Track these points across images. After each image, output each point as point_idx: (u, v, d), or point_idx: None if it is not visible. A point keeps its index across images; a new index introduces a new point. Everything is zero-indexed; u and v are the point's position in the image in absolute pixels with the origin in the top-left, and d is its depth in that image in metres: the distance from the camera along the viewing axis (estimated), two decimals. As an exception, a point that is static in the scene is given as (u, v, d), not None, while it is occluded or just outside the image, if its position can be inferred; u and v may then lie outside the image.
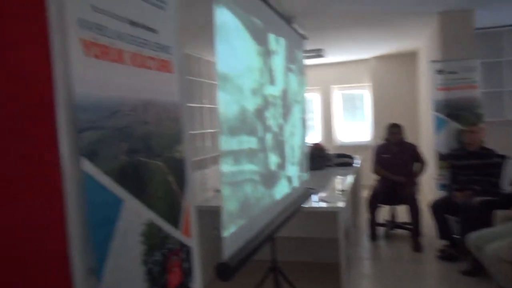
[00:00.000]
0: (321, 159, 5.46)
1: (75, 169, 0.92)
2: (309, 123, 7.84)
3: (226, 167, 1.70)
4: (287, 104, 2.77)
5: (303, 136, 3.43)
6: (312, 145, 5.51)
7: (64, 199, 0.88)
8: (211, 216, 3.03)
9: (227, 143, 1.71)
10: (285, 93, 2.71)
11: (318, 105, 8.35)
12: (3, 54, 0.76)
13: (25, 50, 0.82)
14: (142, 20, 1.19)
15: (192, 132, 5.76)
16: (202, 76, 6.22)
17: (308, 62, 5.53)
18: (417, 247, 4.25)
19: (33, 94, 0.82)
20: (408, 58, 7.37)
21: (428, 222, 4.36)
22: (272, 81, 2.36)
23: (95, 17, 1.00)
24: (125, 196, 1.09)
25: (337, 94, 8.28)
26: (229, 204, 1.79)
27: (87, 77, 0.96)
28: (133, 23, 1.15)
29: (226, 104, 1.68)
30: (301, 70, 3.33)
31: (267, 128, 2.27)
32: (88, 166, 0.96)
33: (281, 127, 2.59)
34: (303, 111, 3.43)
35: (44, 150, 0.84)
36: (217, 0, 1.56)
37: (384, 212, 4.86)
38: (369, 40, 6.03)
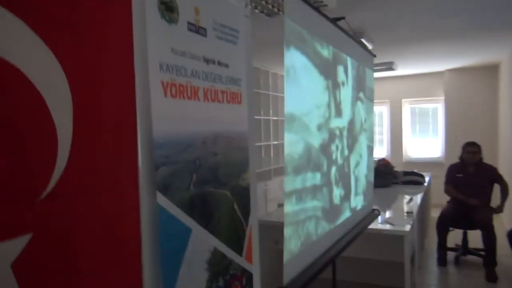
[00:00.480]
0: (388, 176, 5.28)
1: (151, 203, 1.00)
2: (376, 137, 7.64)
3: (289, 207, 1.72)
4: (354, 134, 2.74)
5: (370, 164, 3.36)
6: (378, 160, 5.35)
7: (140, 231, 0.96)
8: (272, 230, 3.06)
9: (291, 183, 1.73)
10: (351, 124, 2.67)
11: (386, 118, 8.09)
12: (95, 97, 0.85)
13: (113, 94, 0.90)
14: (216, 56, 1.26)
15: (258, 144, 5.85)
16: (269, 89, 6.31)
17: (377, 74, 5.39)
18: (491, 277, 3.96)
19: (118, 135, 0.91)
20: (488, 71, 6.90)
21: (505, 251, 4.04)
22: (338, 113, 2.35)
23: (174, 59, 1.07)
24: (193, 226, 1.15)
25: (407, 108, 7.96)
26: (291, 243, 1.81)
27: (164, 115, 1.04)
28: (208, 60, 1.22)
29: (292, 144, 1.70)
30: (370, 97, 3.27)
31: (332, 162, 2.26)
32: (161, 199, 1.03)
33: (346, 159, 2.56)
34: (370, 139, 3.36)
35: (125, 186, 0.92)
36: (287, 41, 1.59)
37: (455, 236, 4.58)
38: (443, 53, 5.74)
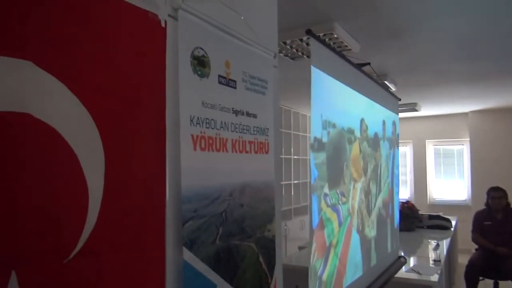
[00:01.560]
0: (412, 220, 5.11)
1: (176, 258, 0.97)
2: (400, 177, 7.48)
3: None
4: (380, 180, 2.71)
5: (395, 209, 3.29)
6: (403, 203, 5.21)
7: (165, 288, 0.93)
8: (293, 274, 2.97)
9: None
10: (378, 170, 2.65)
11: (410, 159, 7.94)
12: (126, 155, 0.85)
13: (144, 150, 0.90)
14: (245, 107, 1.26)
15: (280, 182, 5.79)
16: (291, 128, 6.33)
17: (401, 115, 5.35)
18: (526, 333, 3.71)
19: (147, 191, 0.90)
20: (514, 113, 6.76)
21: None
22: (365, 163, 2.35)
23: (204, 112, 1.08)
24: (217, 281, 1.11)
25: (431, 149, 7.82)
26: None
27: (193, 169, 1.03)
28: (237, 112, 1.22)
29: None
30: (394, 140, 3.25)
31: (358, 209, 2.24)
32: (187, 254, 1.00)
33: (372, 205, 2.53)
34: (396, 183, 3.32)
35: (152, 243, 0.90)
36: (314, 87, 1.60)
37: (485, 285, 4.34)
38: (467, 95, 5.67)
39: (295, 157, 6.41)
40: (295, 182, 6.35)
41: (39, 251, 0.67)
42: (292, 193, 6.25)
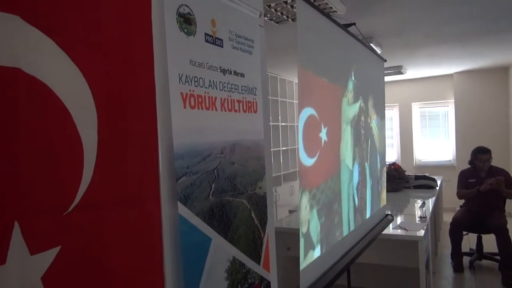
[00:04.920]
0: (399, 181, 5.24)
1: (172, 213, 1.00)
2: (387, 140, 7.58)
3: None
4: (366, 140, 2.76)
5: (382, 168, 3.36)
6: (389, 165, 5.32)
7: (162, 242, 0.96)
8: (284, 237, 3.06)
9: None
10: (364, 129, 2.71)
11: (396, 122, 8.04)
12: (118, 112, 0.86)
13: (135, 107, 0.91)
14: (232, 66, 1.27)
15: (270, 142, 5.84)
16: (278, 95, 6.32)
17: (386, 78, 5.38)
18: (508, 282, 3.90)
19: (140, 147, 0.92)
20: (498, 73, 6.84)
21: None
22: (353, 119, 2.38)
23: (192, 70, 1.08)
24: (212, 235, 1.15)
25: (417, 111, 7.92)
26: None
27: (184, 126, 1.05)
28: (224, 71, 1.23)
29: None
30: (381, 109, 3.28)
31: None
32: (182, 209, 1.04)
33: (360, 165, 2.59)
34: (382, 143, 3.38)
35: (147, 197, 0.93)
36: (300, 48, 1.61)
37: (469, 239, 4.52)
38: (452, 56, 5.70)
39: (283, 124, 6.45)
40: (284, 148, 6.41)
41: (40, 203, 0.69)
42: (281, 160, 6.32)
